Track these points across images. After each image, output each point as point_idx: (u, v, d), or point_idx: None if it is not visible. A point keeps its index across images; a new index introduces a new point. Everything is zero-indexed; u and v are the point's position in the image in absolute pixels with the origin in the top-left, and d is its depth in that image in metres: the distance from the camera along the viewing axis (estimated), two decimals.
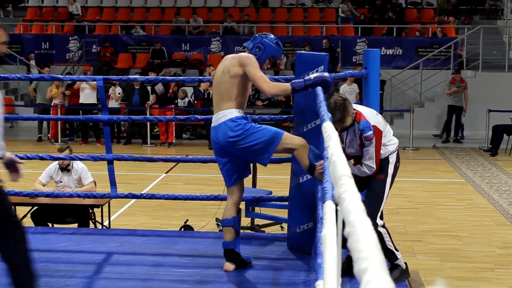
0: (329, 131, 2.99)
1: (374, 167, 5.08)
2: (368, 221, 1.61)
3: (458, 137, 16.69)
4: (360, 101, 7.32)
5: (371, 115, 5.17)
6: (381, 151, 5.18)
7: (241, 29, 20.96)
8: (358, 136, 5.10)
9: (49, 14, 22.48)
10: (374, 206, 5.06)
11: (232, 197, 5.18)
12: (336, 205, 2.21)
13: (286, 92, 5.02)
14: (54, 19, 22.15)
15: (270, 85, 4.94)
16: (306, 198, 5.44)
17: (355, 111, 5.11)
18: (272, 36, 5.26)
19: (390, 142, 5.25)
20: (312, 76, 4.86)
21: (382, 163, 5.22)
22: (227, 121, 4.90)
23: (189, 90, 17.12)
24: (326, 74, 4.91)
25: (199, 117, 7.01)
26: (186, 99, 16.62)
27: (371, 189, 5.22)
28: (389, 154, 5.23)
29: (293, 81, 4.96)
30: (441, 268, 7.13)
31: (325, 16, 21.70)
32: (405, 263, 5.37)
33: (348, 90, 16.11)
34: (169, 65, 19.21)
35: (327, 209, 2.52)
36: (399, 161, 5.34)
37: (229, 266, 5.13)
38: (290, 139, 5.00)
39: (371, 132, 5.04)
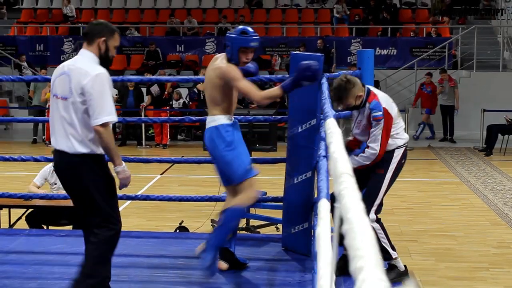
0: (332, 128, 2.98)
1: (377, 150, 4.96)
2: (366, 220, 1.61)
3: (450, 137, 16.75)
4: None
5: (385, 98, 5.11)
6: (389, 141, 5.09)
7: None
8: (366, 117, 5.04)
9: (43, 16, 22.45)
10: (368, 201, 4.99)
11: (230, 197, 5.17)
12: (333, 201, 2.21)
13: (278, 96, 4.97)
14: (48, 21, 22.12)
15: (262, 95, 4.83)
16: (300, 198, 5.44)
17: (370, 92, 5.06)
18: (238, 27, 5.04)
19: (399, 136, 5.15)
20: (296, 70, 4.80)
21: (386, 156, 5.12)
22: (212, 127, 4.89)
23: (184, 92, 17.11)
24: (309, 61, 4.77)
25: (193, 118, 6.97)
26: (181, 100, 16.61)
27: (369, 183, 5.16)
28: (396, 148, 5.13)
29: (282, 83, 4.92)
30: (436, 268, 7.13)
31: (320, 17, 21.71)
32: (405, 266, 5.30)
33: None
34: (164, 66, 19.20)
35: (321, 208, 2.52)
36: (406, 158, 5.24)
37: (223, 264, 5.12)
38: (251, 186, 4.88)
39: (381, 113, 4.97)
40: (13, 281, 4.96)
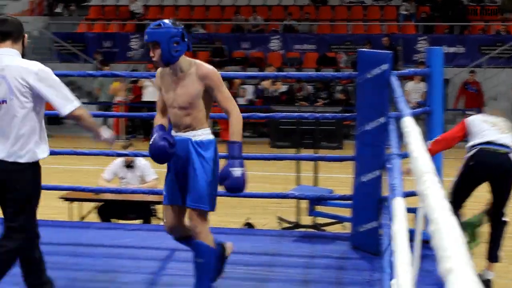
0: (409, 126, 2.94)
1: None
2: (453, 220, 1.58)
3: None
4: (424, 101, 7.23)
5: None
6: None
7: (301, 27, 20.90)
8: None
9: (111, 13, 22.81)
10: None
11: None
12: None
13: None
14: (116, 17, 22.47)
15: None
16: (369, 197, 5.40)
17: None
18: None
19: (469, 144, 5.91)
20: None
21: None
22: None
23: (249, 89, 17.15)
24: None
25: (261, 115, 6.97)
26: (247, 97, 16.67)
27: None
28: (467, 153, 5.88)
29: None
30: (509, 270, 6.99)
31: (385, 14, 21.49)
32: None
33: (413, 88, 15.93)
34: (229, 63, 19.29)
35: (397, 206, 2.49)
36: (476, 161, 5.79)
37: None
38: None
39: None
40: (84, 273, 5.05)
